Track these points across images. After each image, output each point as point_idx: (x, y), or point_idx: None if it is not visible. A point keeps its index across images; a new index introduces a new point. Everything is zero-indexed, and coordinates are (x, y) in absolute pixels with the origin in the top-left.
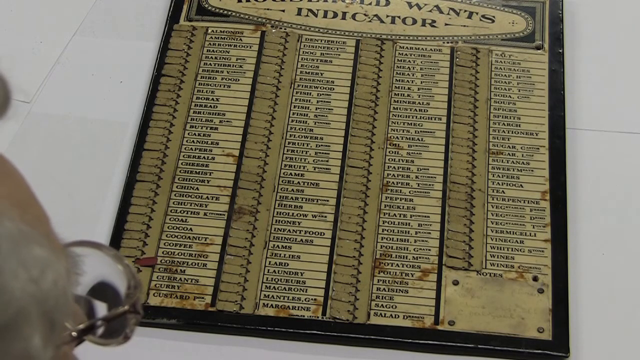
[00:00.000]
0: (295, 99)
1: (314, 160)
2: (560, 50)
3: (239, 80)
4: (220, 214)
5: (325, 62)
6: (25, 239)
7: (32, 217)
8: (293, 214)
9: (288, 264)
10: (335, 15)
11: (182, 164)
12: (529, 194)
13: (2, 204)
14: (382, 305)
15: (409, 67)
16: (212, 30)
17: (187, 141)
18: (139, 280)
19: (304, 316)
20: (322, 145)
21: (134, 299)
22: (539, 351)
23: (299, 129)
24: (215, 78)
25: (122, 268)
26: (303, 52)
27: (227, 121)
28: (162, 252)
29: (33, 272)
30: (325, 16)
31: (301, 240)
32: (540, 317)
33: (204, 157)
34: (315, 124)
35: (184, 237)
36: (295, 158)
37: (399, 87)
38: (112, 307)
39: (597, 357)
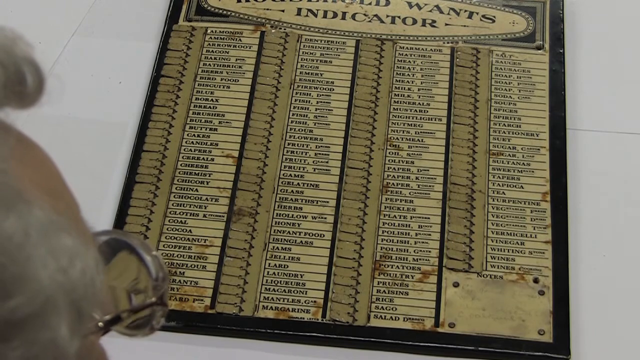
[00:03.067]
0: (295, 100)
1: (313, 162)
2: (561, 51)
3: (238, 80)
4: (220, 216)
5: (325, 62)
6: (55, 228)
7: (63, 206)
8: (293, 215)
9: (288, 266)
10: (335, 15)
11: (181, 165)
12: (529, 195)
13: (33, 193)
14: (382, 307)
15: (409, 68)
16: (212, 31)
17: (186, 142)
18: (166, 272)
19: (303, 318)
20: (321, 146)
21: (161, 290)
22: (540, 353)
23: (299, 129)
24: (215, 78)
25: (150, 259)
26: (303, 52)
27: (227, 122)
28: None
29: (62, 262)
30: (325, 16)
31: (301, 241)
32: (541, 319)
33: (203, 158)
34: (315, 124)
35: (183, 238)
36: (295, 159)
37: (399, 87)
38: (139, 297)
39: (597, 359)
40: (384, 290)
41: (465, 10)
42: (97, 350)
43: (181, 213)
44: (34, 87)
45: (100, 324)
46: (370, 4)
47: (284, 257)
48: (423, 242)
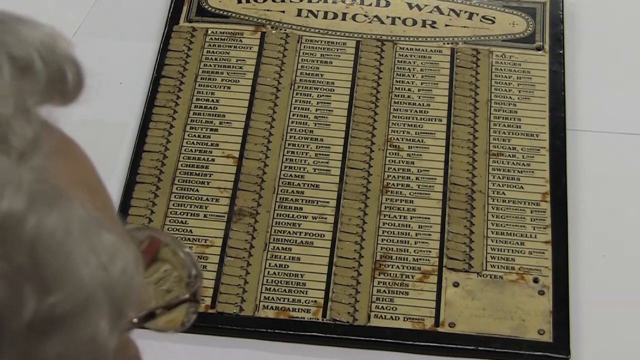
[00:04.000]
0: (295, 100)
1: (314, 162)
2: (561, 51)
3: (239, 81)
4: (220, 216)
5: (326, 63)
6: (95, 225)
7: (100, 203)
8: (293, 215)
9: (288, 266)
10: (335, 16)
11: (182, 165)
12: (529, 195)
13: (74, 190)
14: (382, 307)
15: (409, 68)
16: (212, 32)
17: (187, 142)
18: (199, 269)
19: (304, 318)
20: (322, 146)
21: (194, 287)
22: (540, 353)
23: (299, 130)
24: (215, 79)
25: (184, 256)
26: (303, 53)
27: (227, 122)
28: None
29: (103, 259)
30: (325, 17)
31: (301, 242)
32: (541, 319)
33: (204, 159)
34: (315, 125)
35: (183, 238)
36: (296, 159)
37: (399, 88)
38: (172, 294)
39: (597, 359)
40: (384, 290)
41: (465, 11)
42: (132, 345)
43: (182, 213)
44: (74, 84)
45: (135, 320)
46: (370, 5)
47: (285, 257)
48: (423, 242)
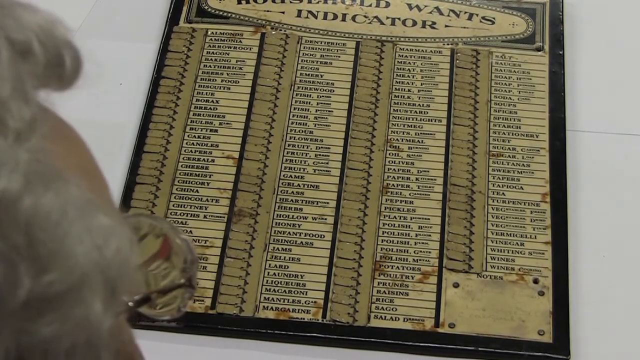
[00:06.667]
0: (295, 101)
1: (314, 163)
2: (561, 52)
3: (238, 82)
4: (220, 217)
5: (325, 64)
6: (91, 207)
7: (97, 186)
8: (293, 216)
9: (288, 267)
10: (335, 17)
11: (182, 166)
12: (529, 196)
13: (71, 172)
14: (382, 307)
15: (409, 69)
16: (212, 32)
17: (187, 143)
18: (195, 256)
19: (304, 319)
20: (322, 147)
21: (190, 273)
22: (540, 354)
23: (299, 131)
24: (215, 80)
25: (180, 242)
26: (303, 54)
27: (227, 123)
28: None
29: (97, 240)
30: (325, 18)
31: (301, 242)
32: (541, 320)
33: (203, 160)
34: (315, 126)
35: None
36: (295, 160)
37: (399, 89)
38: (168, 279)
39: (597, 359)
40: (384, 291)
41: (465, 12)
42: (127, 330)
43: (182, 214)
44: (72, 69)
45: (131, 303)
46: (370, 5)
47: (285, 257)
48: (423, 243)
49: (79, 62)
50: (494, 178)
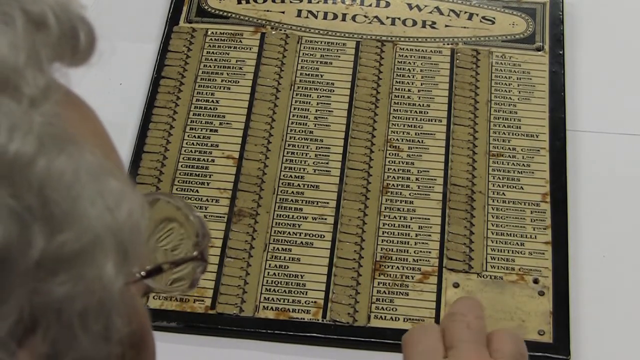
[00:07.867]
0: (295, 101)
1: (314, 163)
2: (561, 52)
3: (238, 82)
4: (220, 217)
5: (325, 63)
6: (103, 172)
7: (109, 153)
8: (293, 216)
9: (288, 267)
10: (335, 16)
11: (181, 166)
12: (529, 196)
13: (84, 137)
14: (382, 307)
15: (409, 69)
16: (212, 32)
17: (186, 143)
18: (208, 231)
19: (304, 319)
20: (322, 147)
21: (202, 247)
22: (540, 354)
23: (299, 131)
24: (215, 80)
25: (193, 218)
26: (303, 53)
27: (227, 123)
28: None
29: (110, 202)
30: (325, 18)
31: (301, 242)
32: (541, 320)
33: (203, 160)
34: (315, 126)
35: None
36: (295, 160)
37: (399, 88)
38: (180, 253)
39: (597, 359)
40: (384, 291)
41: (465, 12)
42: (139, 302)
43: None
44: (86, 44)
45: (142, 273)
46: (370, 5)
47: (285, 257)
48: (423, 243)
49: (92, 37)
50: (494, 178)
